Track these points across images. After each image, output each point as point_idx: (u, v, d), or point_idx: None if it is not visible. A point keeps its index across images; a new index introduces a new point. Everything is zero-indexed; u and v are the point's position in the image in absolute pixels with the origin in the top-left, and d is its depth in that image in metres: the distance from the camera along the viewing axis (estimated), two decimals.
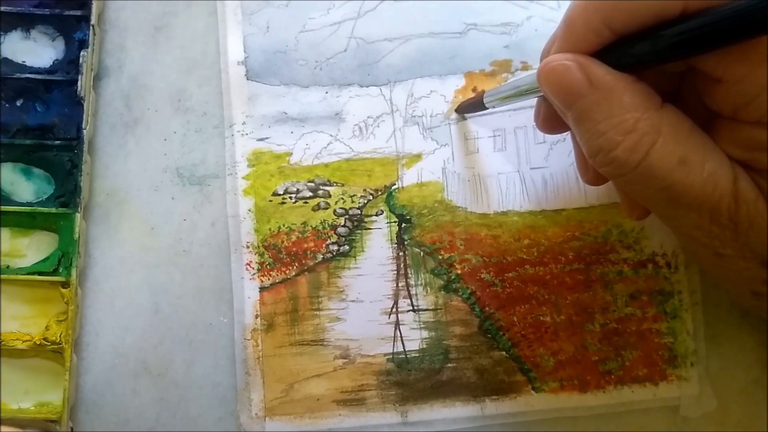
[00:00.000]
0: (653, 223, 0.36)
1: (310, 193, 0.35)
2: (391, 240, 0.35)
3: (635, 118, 0.24)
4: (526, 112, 0.36)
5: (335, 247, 0.35)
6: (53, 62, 0.34)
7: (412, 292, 0.35)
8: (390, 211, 0.35)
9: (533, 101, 0.32)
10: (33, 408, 0.32)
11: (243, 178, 0.35)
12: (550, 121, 0.30)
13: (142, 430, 0.33)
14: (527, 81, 0.29)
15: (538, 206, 0.35)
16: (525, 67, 0.36)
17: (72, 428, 0.33)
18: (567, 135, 0.35)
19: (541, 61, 0.28)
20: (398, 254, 0.35)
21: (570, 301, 0.35)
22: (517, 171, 0.36)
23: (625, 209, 0.32)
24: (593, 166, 0.27)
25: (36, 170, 0.33)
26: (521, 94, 0.30)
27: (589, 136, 0.25)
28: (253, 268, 0.34)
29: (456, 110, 0.36)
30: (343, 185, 0.35)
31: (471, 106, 0.35)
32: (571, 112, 0.26)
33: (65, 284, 0.32)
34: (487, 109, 0.33)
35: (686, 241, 0.30)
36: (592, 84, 0.25)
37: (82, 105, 0.33)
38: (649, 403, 0.35)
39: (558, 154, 0.36)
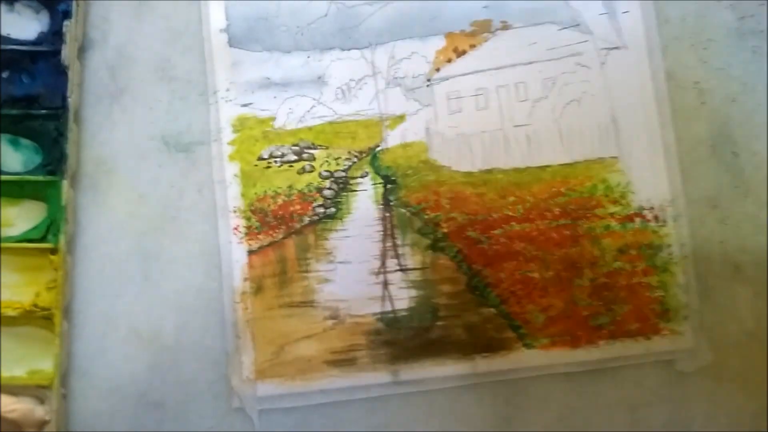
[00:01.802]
0: (640, 177, 0.36)
1: (295, 157, 0.35)
2: (377, 201, 0.35)
3: None
4: (507, 70, 0.36)
5: (321, 210, 0.35)
6: (38, 35, 0.34)
7: (400, 251, 0.35)
8: (375, 172, 0.35)
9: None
10: (25, 375, 0.33)
11: (228, 143, 0.35)
12: None
13: (135, 395, 0.33)
14: None
15: (522, 163, 0.35)
16: (505, 26, 0.36)
17: (64, 394, 0.33)
18: (548, 92, 0.36)
19: None
20: (384, 215, 0.35)
21: (558, 256, 0.35)
22: (501, 129, 0.36)
23: None
24: None
25: (23, 140, 0.34)
26: None
27: None
28: (241, 232, 0.34)
29: None
30: (327, 148, 0.35)
31: None
32: None
33: (54, 251, 0.33)
34: None
35: None
36: None
37: (67, 74, 0.33)
38: (642, 357, 0.35)
39: (541, 111, 0.36)
